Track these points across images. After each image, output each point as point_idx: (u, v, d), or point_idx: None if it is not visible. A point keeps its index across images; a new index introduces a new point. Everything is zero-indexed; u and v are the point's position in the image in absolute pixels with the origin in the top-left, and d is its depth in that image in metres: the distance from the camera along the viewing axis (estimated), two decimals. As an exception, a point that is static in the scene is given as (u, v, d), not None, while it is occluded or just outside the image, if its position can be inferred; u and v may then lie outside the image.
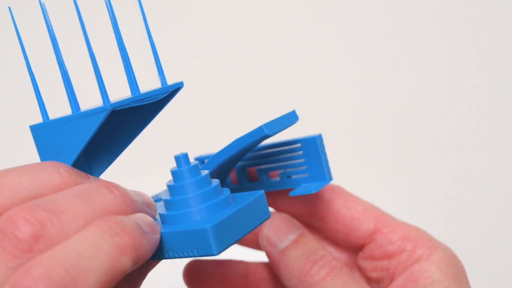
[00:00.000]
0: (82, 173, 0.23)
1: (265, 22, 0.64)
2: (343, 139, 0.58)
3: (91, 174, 0.24)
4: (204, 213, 0.22)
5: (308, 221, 0.32)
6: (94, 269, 0.18)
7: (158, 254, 0.22)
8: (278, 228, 0.29)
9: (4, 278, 0.17)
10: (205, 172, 0.23)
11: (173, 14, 0.64)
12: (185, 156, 0.23)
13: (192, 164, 0.23)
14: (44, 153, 0.24)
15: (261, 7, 0.64)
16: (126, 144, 0.26)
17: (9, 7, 0.23)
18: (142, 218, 0.21)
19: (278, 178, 0.30)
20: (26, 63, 0.24)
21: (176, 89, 0.24)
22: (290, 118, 0.26)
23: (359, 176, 0.56)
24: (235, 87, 0.61)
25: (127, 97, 0.23)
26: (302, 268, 0.27)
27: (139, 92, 0.23)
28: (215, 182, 0.23)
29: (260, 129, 0.24)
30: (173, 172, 0.23)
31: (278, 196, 0.32)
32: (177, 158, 0.23)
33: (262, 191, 0.24)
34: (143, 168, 0.48)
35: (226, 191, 0.24)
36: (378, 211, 0.31)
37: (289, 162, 0.29)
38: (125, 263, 0.19)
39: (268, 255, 0.30)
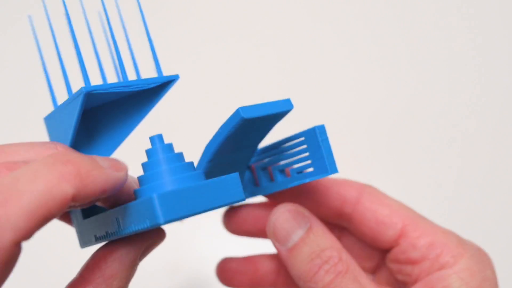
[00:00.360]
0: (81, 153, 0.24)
1: (265, 20, 0.65)
2: (345, 137, 0.58)
3: None
4: (166, 186, 0.22)
5: (336, 223, 0.31)
6: (27, 192, 0.18)
7: (126, 227, 0.22)
8: (285, 222, 0.28)
9: None
10: (177, 151, 0.24)
11: (172, 9, 0.66)
12: (159, 136, 0.24)
13: (165, 143, 0.23)
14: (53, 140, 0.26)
15: (262, 4, 0.65)
16: (126, 133, 0.27)
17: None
18: (104, 157, 0.22)
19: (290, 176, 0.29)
20: (38, 52, 0.26)
21: (169, 81, 0.25)
22: (279, 105, 0.25)
23: (360, 175, 0.56)
24: (237, 87, 0.61)
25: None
26: (308, 272, 0.27)
27: (127, 80, 0.24)
28: (188, 161, 0.24)
29: (236, 112, 0.24)
30: (146, 152, 0.24)
31: (306, 198, 0.31)
32: (151, 139, 0.24)
33: (236, 174, 0.23)
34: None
35: (199, 170, 0.24)
36: (407, 212, 0.29)
37: (296, 158, 0.28)
38: (65, 189, 0.19)
39: (276, 249, 0.29)
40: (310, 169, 0.27)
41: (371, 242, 0.30)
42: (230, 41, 0.65)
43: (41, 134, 0.29)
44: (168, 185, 0.22)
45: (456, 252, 0.26)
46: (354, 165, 0.56)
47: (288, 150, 0.29)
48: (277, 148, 0.29)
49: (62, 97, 0.26)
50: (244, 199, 0.23)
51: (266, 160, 0.30)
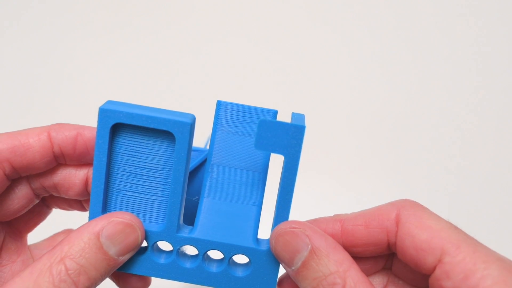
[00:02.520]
0: None
1: (266, 22, 0.66)
2: (345, 138, 0.58)
3: None
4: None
5: (388, 252, 0.29)
6: None
7: None
8: (285, 246, 0.26)
9: None
10: None
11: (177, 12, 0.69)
12: None
13: None
14: None
15: (264, 7, 0.67)
16: None
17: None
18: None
19: None
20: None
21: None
22: (255, 109, 0.29)
23: (359, 176, 0.56)
24: (235, 89, 0.62)
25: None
26: None
27: None
28: None
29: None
30: None
31: (354, 229, 0.28)
32: None
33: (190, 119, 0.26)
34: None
35: None
36: (448, 235, 0.25)
37: None
38: None
39: (284, 269, 0.28)
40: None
41: (416, 268, 0.27)
42: (232, 41, 0.66)
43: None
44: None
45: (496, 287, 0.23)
46: (355, 166, 0.55)
47: None
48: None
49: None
50: (188, 124, 0.25)
51: None
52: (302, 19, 0.66)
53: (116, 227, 0.26)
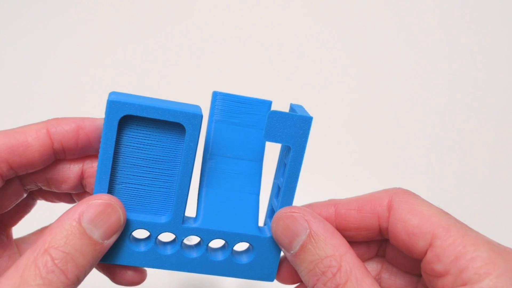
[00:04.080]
0: None
1: (267, 21, 0.66)
2: (345, 138, 0.58)
3: None
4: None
5: (381, 238, 0.30)
6: None
7: None
8: (284, 231, 0.28)
9: None
10: None
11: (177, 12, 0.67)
12: None
13: None
14: None
15: (264, 7, 0.66)
16: None
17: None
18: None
19: None
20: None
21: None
22: (251, 100, 0.29)
23: (359, 176, 0.56)
24: (230, 80, 0.62)
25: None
26: (308, 282, 0.27)
27: None
28: None
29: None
30: None
31: (347, 213, 0.30)
32: None
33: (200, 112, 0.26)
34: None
35: None
36: (439, 220, 0.26)
37: None
38: None
39: (284, 253, 0.29)
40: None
41: (407, 253, 0.28)
42: (226, 33, 0.65)
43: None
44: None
45: (484, 269, 0.24)
46: (355, 165, 0.55)
47: None
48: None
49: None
50: (200, 116, 0.26)
51: None
52: (299, 11, 0.66)
53: (96, 209, 0.25)
